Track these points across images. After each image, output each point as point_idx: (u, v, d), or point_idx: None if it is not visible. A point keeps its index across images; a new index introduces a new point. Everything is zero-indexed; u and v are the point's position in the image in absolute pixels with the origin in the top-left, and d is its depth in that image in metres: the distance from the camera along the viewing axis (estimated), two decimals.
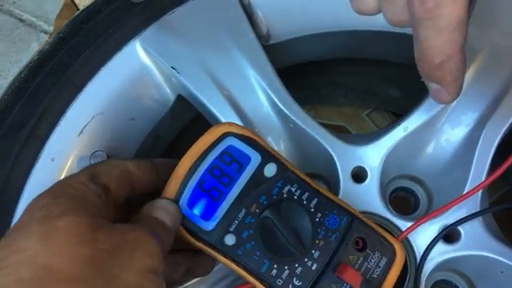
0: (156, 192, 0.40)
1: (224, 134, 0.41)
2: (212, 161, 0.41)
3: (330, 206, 0.42)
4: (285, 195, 0.41)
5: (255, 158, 0.41)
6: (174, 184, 0.40)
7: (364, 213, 0.49)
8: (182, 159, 0.40)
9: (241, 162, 0.41)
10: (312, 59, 0.63)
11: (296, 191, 0.41)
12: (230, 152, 0.41)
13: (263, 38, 0.55)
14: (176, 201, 0.40)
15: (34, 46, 0.99)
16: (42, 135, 0.49)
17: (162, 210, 0.38)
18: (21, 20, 1.03)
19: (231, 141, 0.41)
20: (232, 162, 0.41)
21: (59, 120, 0.50)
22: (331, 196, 0.42)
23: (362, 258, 0.41)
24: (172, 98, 0.54)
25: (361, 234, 0.41)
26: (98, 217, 0.33)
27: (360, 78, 0.72)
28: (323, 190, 0.42)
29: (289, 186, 0.41)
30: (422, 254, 0.49)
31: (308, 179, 0.42)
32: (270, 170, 0.41)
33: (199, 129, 0.42)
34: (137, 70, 0.52)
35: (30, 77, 0.51)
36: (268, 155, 0.41)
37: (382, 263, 0.41)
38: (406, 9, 0.31)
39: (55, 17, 0.95)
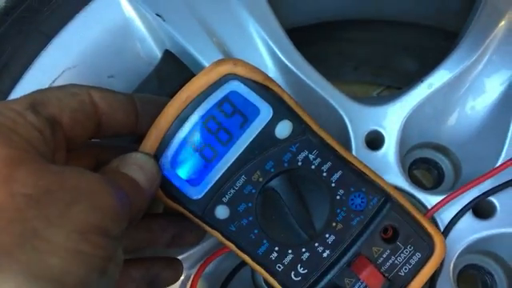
0: (137, 139, 0.33)
1: (226, 75, 0.32)
2: (208, 110, 0.32)
3: (357, 182, 0.34)
4: (299, 163, 0.33)
5: (265, 112, 0.32)
6: (156, 136, 0.32)
7: None
8: (168, 105, 0.32)
9: (246, 114, 0.32)
10: (319, 20, 0.56)
11: (315, 159, 0.33)
12: (232, 100, 0.32)
13: None
14: (156, 157, 0.32)
15: None
16: (3, 89, 0.43)
17: (136, 167, 0.30)
18: None
19: (235, 85, 0.32)
20: (234, 114, 0.32)
21: (24, 73, 0.43)
22: (364, 169, 0.35)
23: (388, 252, 0.34)
24: (158, 54, 0.47)
25: (393, 222, 0.34)
26: (30, 153, 0.25)
27: (372, 48, 0.65)
28: (356, 160, 0.35)
29: (306, 152, 0.33)
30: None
31: (336, 145, 0.34)
32: (284, 128, 0.33)
33: None
34: (117, 19, 0.45)
35: None
36: (283, 108, 0.33)
37: (414, 260, 0.34)
38: None
39: None
